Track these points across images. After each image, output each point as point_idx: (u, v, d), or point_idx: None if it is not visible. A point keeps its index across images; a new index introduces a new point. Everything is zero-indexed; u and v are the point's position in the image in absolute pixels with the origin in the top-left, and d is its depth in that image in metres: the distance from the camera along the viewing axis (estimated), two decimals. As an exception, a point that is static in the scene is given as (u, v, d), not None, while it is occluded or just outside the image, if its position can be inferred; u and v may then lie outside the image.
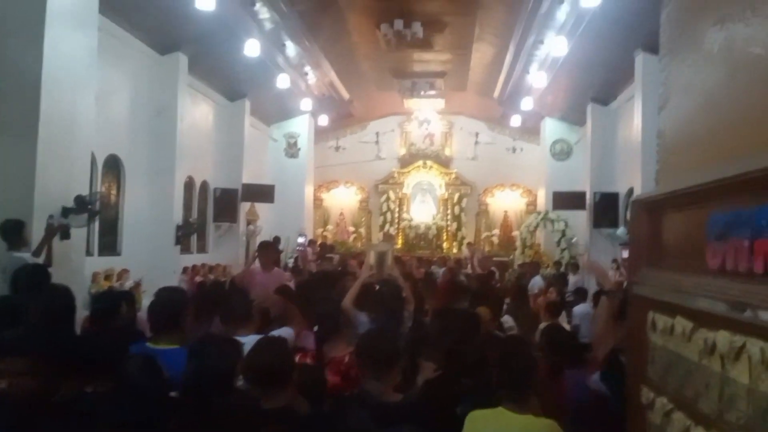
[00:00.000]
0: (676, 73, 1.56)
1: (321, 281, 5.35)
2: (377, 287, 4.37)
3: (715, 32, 1.26)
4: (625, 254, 9.19)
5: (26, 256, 5.71)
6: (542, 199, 16.83)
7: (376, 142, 19.26)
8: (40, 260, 5.85)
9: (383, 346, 2.73)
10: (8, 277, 4.89)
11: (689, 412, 1.27)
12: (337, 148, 19.14)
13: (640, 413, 1.51)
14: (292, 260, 13.19)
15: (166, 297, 4.02)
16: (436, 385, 2.93)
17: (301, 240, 15.30)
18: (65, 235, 7.05)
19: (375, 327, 3.55)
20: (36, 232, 6.37)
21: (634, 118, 11.13)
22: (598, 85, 13.46)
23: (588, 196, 14.08)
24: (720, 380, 1.11)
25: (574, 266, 12.92)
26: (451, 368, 2.99)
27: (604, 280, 3.76)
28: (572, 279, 11.88)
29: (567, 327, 6.25)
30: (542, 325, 5.81)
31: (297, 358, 3.13)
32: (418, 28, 11.11)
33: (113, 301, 4.38)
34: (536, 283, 10.35)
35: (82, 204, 7.30)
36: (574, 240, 14.24)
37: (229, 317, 3.85)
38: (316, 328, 3.47)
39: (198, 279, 10.86)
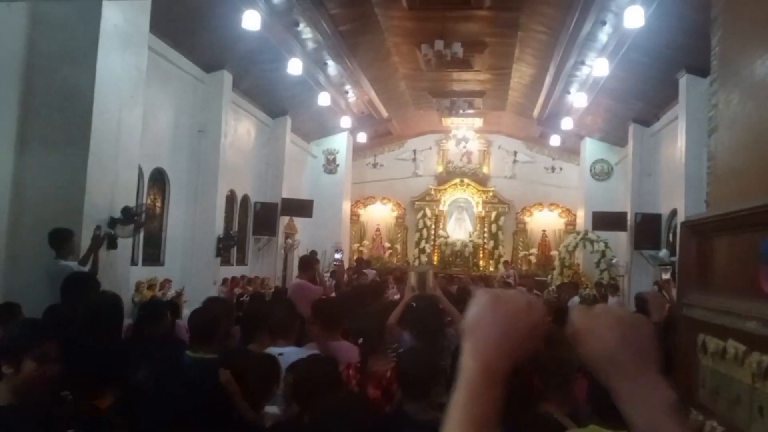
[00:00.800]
0: (727, 99, 1.57)
1: (362, 295, 5.36)
2: (414, 305, 4.38)
3: (765, 61, 1.28)
4: (665, 276, 8.99)
5: (73, 264, 5.88)
6: (581, 219, 16.63)
7: (414, 160, 19.36)
8: (86, 269, 6.03)
9: (422, 366, 2.75)
10: (56, 285, 5.05)
11: (740, 436, 1.27)
12: (375, 165, 19.30)
13: (689, 436, 1.51)
14: (328, 274, 13.29)
15: (209, 307, 4.13)
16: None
17: (338, 256, 15.41)
18: (112, 244, 7.27)
19: (416, 346, 3.56)
20: (84, 242, 6.60)
21: (677, 140, 10.95)
22: (640, 107, 13.29)
23: (629, 217, 13.86)
24: (774, 404, 1.12)
25: (613, 287, 12.69)
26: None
27: (656, 310, 3.70)
28: (611, 300, 11.70)
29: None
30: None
31: (341, 369, 3.17)
32: (458, 49, 11.17)
33: (158, 310, 4.52)
34: (574, 303, 10.22)
35: (128, 215, 7.52)
36: (614, 261, 14.00)
37: (276, 328, 3.89)
38: (360, 341, 3.49)
39: (237, 291, 11.04)
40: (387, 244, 19.07)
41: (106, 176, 7.43)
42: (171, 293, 9.38)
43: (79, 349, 3.09)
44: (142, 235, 9.48)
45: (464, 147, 18.89)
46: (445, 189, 19.08)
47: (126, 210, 7.56)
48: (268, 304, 5.21)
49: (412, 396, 2.70)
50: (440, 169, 19.45)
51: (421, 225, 18.95)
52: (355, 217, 19.24)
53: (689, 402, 1.57)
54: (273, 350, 3.61)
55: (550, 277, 15.53)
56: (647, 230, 13.09)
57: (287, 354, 3.56)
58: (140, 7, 7.97)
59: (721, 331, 1.41)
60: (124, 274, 7.89)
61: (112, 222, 7.39)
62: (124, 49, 7.74)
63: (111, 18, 7.43)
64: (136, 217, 7.65)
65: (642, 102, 13.04)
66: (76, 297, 4.47)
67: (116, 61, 7.56)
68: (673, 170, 11.40)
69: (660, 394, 0.82)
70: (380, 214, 19.47)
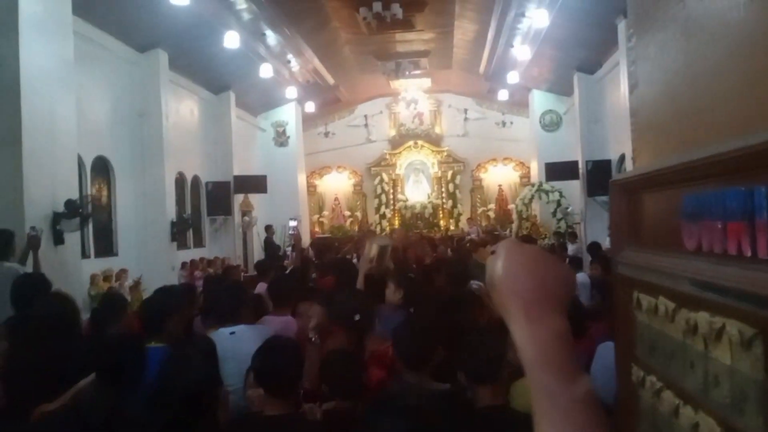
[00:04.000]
0: (644, 52, 1.55)
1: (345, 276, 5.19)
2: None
3: (678, 10, 1.25)
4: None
5: (16, 265, 5.68)
6: (535, 171, 16.84)
7: (366, 125, 19.21)
8: (29, 270, 5.84)
9: (418, 337, 2.78)
10: (3, 288, 4.88)
11: (677, 391, 1.28)
12: (327, 134, 19.07)
13: (631, 391, 1.53)
14: (290, 247, 13.26)
15: (156, 297, 4.05)
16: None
17: (293, 223, 15.29)
18: (59, 240, 7.05)
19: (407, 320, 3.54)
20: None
21: (620, 86, 11.10)
22: (583, 55, 13.38)
23: (580, 165, 14.08)
24: (704, 360, 1.12)
25: (572, 235, 12.97)
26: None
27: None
28: (570, 248, 11.96)
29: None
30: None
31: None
32: (397, 9, 11.01)
33: (116, 304, 4.39)
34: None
35: (72, 208, 7.29)
36: (569, 209, 14.27)
37: (224, 312, 3.83)
38: (357, 318, 3.39)
39: (198, 274, 10.87)
40: (347, 213, 19.01)
41: (43, 171, 7.17)
42: (129, 283, 9.17)
43: (28, 359, 3.00)
44: (91, 227, 9.21)
45: (415, 108, 18.83)
46: (400, 153, 19.04)
47: (69, 203, 7.32)
48: (219, 287, 5.11)
49: (413, 368, 2.72)
50: (393, 132, 19.37)
51: (379, 191, 18.94)
52: (312, 188, 19.09)
53: (630, 358, 1.58)
54: (224, 330, 3.58)
55: (509, 230, 15.76)
56: (599, 177, 13.32)
57: (239, 332, 3.55)
58: (59, -8, 7.59)
59: (652, 289, 1.41)
60: (76, 269, 7.70)
61: (57, 217, 7.15)
62: (47, 38, 7.39)
63: (29, 7, 7.07)
64: (80, 210, 7.42)
65: (584, 50, 13.13)
66: (27, 300, 4.34)
67: (40, 52, 7.23)
68: (619, 116, 11.58)
69: (561, 339, 0.79)
70: (337, 184, 19.35)
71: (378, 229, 18.10)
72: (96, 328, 4.05)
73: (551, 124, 16.73)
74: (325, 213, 19.05)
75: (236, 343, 3.41)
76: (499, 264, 0.85)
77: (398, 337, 2.86)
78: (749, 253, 0.95)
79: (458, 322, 3.38)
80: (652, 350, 1.45)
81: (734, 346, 1.01)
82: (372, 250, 4.55)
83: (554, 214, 14.37)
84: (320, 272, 6.55)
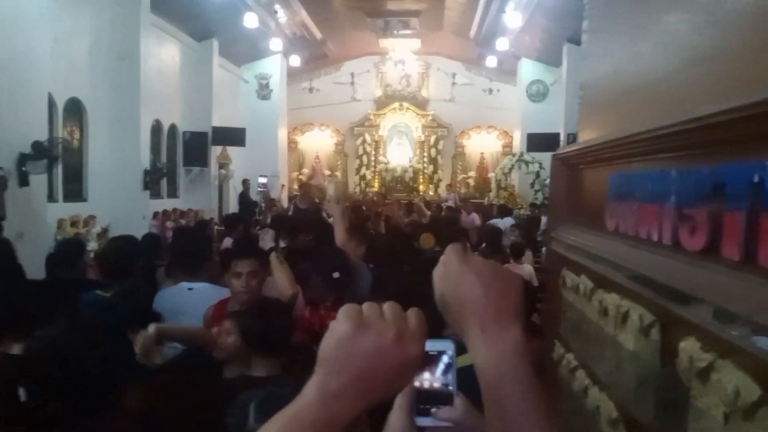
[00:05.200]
0: (596, 26, 1.50)
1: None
2: None
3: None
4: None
5: (-22, 206, 5.59)
6: (518, 141, 16.77)
7: (352, 84, 18.89)
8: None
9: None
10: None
11: (589, 372, 1.27)
12: (311, 90, 18.77)
13: (552, 367, 1.52)
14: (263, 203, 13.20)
15: (117, 245, 3.99)
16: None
17: (262, 180, 15.09)
18: (24, 182, 6.91)
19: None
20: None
21: (608, 59, 10.98)
22: (574, 25, 13.18)
23: (562, 138, 14.03)
24: (612, 343, 1.11)
25: (547, 207, 13.01)
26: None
27: None
28: (544, 219, 12.01)
29: (530, 268, 6.34)
30: (506, 266, 5.88)
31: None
32: (389, -35, 10.73)
33: (72, 250, 4.32)
34: (507, 223, 10.42)
35: (40, 150, 7.12)
36: (547, 181, 14.27)
37: (187, 265, 3.77)
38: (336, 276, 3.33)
39: (170, 224, 10.77)
40: (327, 172, 18.85)
41: (12, 110, 6.97)
42: (96, 230, 9.05)
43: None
44: (60, 170, 9.03)
45: (402, 69, 18.56)
46: (385, 114, 18.82)
47: (37, 145, 7.15)
48: (188, 240, 5.05)
49: None
50: (379, 93, 19.11)
51: (361, 152, 18.77)
52: (293, 144, 18.86)
53: (554, 335, 1.57)
54: (183, 285, 3.52)
55: (486, 199, 15.78)
56: (579, 147, 13.32)
57: (198, 290, 3.48)
58: None
59: (577, 267, 1.39)
60: (41, 212, 7.56)
61: (22, 158, 6.99)
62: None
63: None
64: (48, 152, 7.25)
65: (576, 20, 12.87)
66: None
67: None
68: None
69: (517, 349, 0.76)
70: (319, 141, 19.13)
71: (357, 190, 18.02)
72: (49, 272, 4.00)
73: (538, 94, 16.61)
74: (305, 170, 18.88)
75: (193, 300, 3.36)
76: (447, 282, 0.82)
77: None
78: (656, 238, 0.92)
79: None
80: (575, 329, 1.44)
81: (636, 332, 0.99)
82: (330, 190, 4.54)
83: (532, 185, 14.39)
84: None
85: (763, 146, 0.65)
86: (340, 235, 3.98)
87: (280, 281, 3.22)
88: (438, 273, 0.85)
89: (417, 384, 0.80)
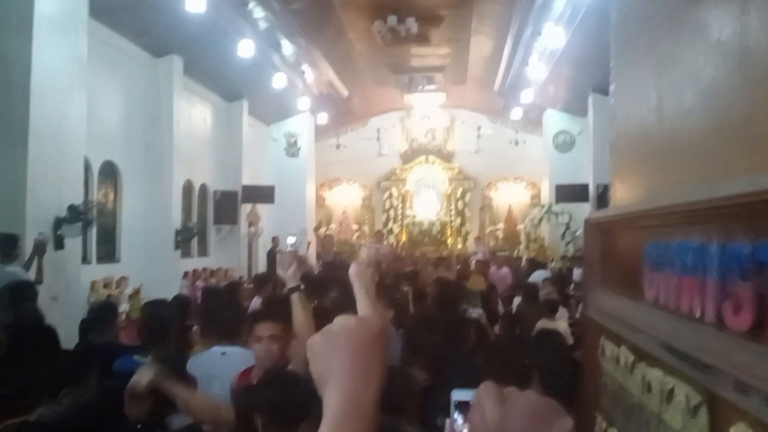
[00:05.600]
0: (623, 85, 1.49)
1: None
2: None
3: (650, 50, 1.19)
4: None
5: (18, 270, 5.70)
6: (546, 192, 16.68)
7: (378, 139, 19.14)
8: (32, 275, 5.86)
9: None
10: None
11: (634, 450, 1.19)
12: (338, 146, 19.04)
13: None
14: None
15: (152, 310, 4.02)
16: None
17: (291, 240, 15.09)
18: (59, 245, 7.05)
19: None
20: (30, 245, 6.37)
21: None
22: (598, 75, 13.25)
23: (591, 188, 13.92)
24: (657, 421, 1.04)
25: (579, 260, 12.79)
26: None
27: None
28: (577, 272, 11.78)
29: (564, 324, 6.17)
30: (540, 323, 5.74)
31: None
32: (412, 24, 11.00)
33: (106, 314, 4.36)
34: (540, 277, 10.24)
35: (75, 214, 7.29)
36: (578, 233, 14.10)
37: (220, 328, 3.70)
38: None
39: (200, 284, 10.83)
40: (354, 227, 18.93)
41: (49, 174, 7.17)
42: (128, 291, 9.15)
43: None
44: (95, 232, 9.22)
45: (428, 123, 18.78)
46: (411, 167, 18.94)
47: (72, 208, 7.33)
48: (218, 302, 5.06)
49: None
50: (405, 147, 19.30)
51: (388, 206, 18.83)
52: (321, 200, 19.04)
53: (594, 407, 1.50)
54: (216, 350, 3.49)
55: (516, 251, 15.60)
56: (609, 201, 13.17)
57: (230, 354, 3.44)
58: (76, -8, 7.65)
59: (616, 337, 1.33)
60: (75, 275, 7.68)
61: (58, 222, 7.16)
62: (61, 38, 7.43)
63: (45, 6, 7.11)
64: (83, 215, 7.42)
65: (601, 70, 12.96)
66: (11, 306, 4.35)
67: (53, 52, 7.26)
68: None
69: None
70: (346, 196, 19.28)
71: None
72: (82, 337, 4.02)
73: (564, 144, 16.59)
74: (333, 226, 18.96)
75: (225, 364, 3.32)
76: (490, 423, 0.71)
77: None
78: (698, 314, 0.88)
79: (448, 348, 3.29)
80: (617, 402, 1.37)
81: (683, 412, 0.93)
82: (363, 253, 4.46)
83: (563, 236, 14.21)
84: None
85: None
86: (364, 303, 3.93)
87: (299, 326, 2.86)
88: (476, 409, 0.73)
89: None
